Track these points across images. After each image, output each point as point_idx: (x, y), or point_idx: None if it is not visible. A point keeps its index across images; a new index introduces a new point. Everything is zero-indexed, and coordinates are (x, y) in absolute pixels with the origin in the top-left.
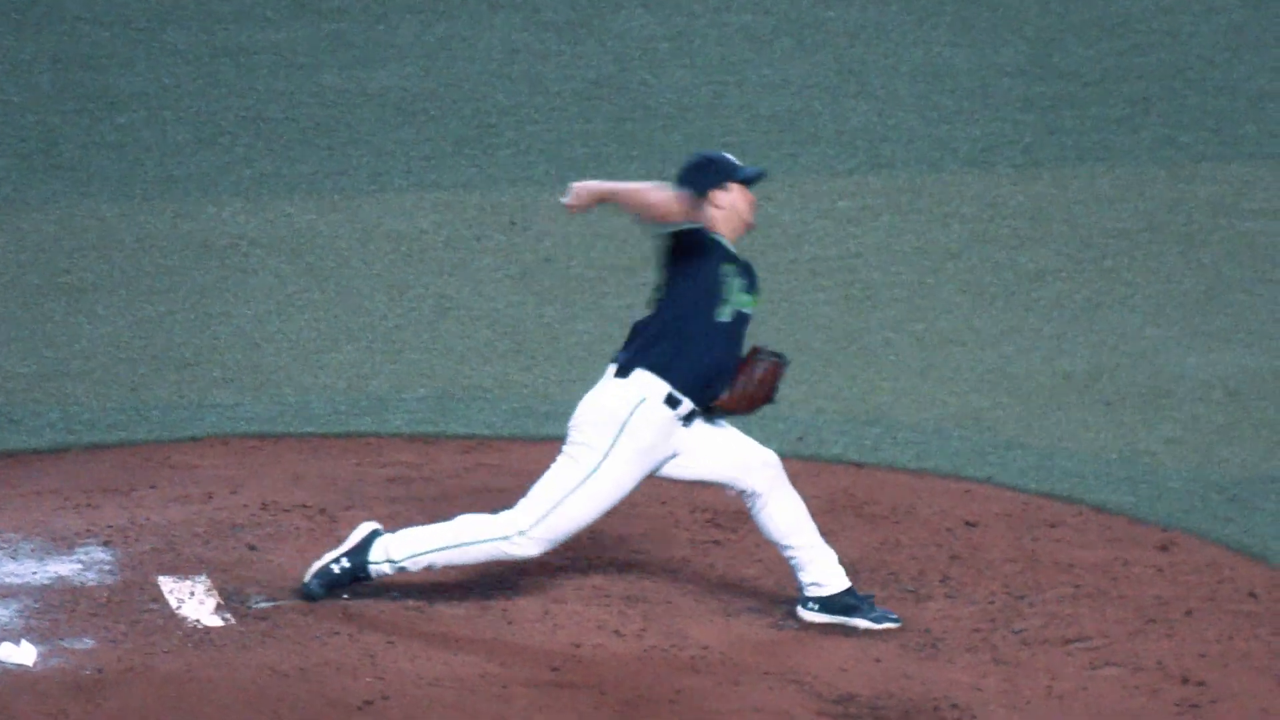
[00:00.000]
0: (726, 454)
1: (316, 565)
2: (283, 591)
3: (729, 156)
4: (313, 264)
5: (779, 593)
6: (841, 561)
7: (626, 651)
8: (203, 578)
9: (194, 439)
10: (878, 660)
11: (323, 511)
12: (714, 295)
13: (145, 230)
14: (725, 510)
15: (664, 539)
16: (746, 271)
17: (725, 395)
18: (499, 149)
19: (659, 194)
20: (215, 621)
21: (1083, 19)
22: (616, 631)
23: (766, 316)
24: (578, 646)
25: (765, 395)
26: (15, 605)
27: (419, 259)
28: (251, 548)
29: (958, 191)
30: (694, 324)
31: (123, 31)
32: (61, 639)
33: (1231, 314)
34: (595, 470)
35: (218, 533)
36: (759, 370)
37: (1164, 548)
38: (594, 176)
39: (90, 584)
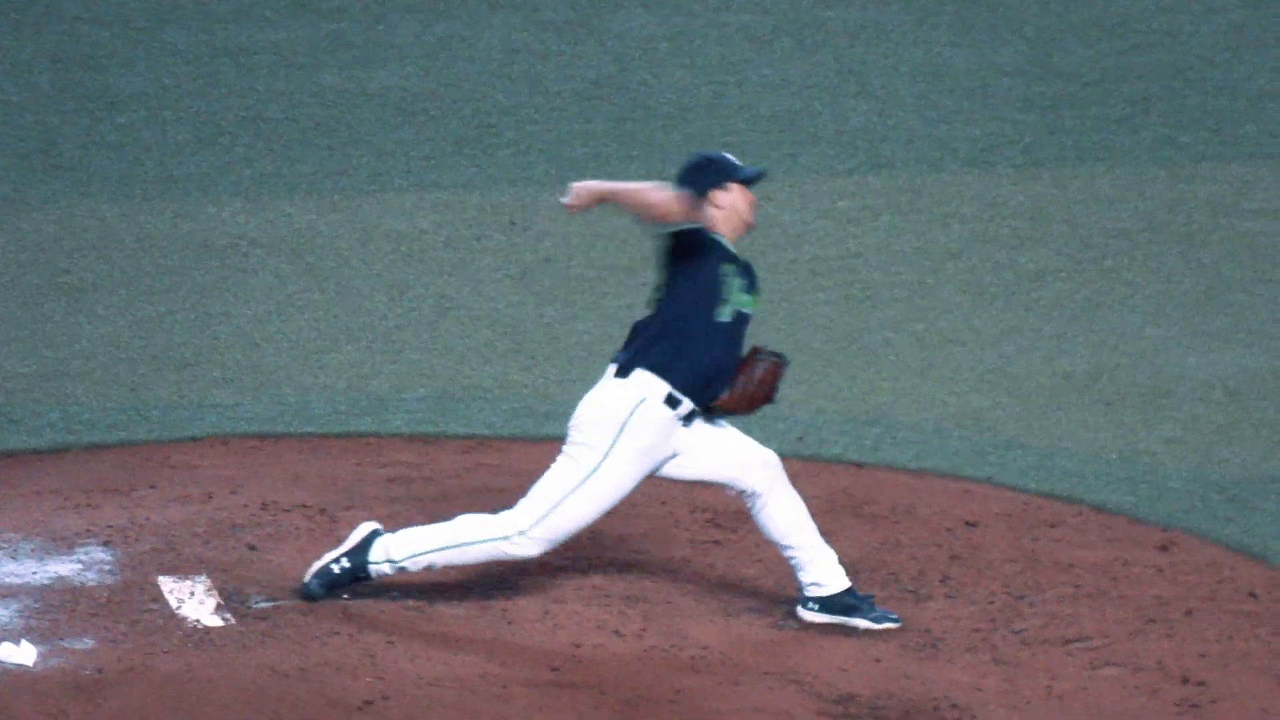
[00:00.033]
0: (726, 454)
1: (316, 565)
2: (283, 591)
3: (729, 156)
4: (313, 264)
5: (779, 593)
6: (841, 561)
7: (626, 651)
8: (203, 578)
9: (194, 439)
10: (878, 660)
11: (323, 511)
12: (714, 295)
13: (145, 230)
14: (725, 510)
15: (664, 539)
16: (746, 271)
17: (726, 395)
18: (499, 149)
19: (659, 194)
20: (215, 621)
21: (1082, 19)
22: (616, 631)
23: (766, 316)
24: (578, 646)
25: (766, 395)
26: (15, 605)
27: (419, 259)
28: (251, 548)
29: (958, 191)
30: (694, 324)
31: (122, 31)
32: (61, 639)
33: (1231, 314)
34: (595, 470)
35: (218, 533)
36: (759, 370)
37: (1164, 548)
38: (594, 176)
39: (90, 584)
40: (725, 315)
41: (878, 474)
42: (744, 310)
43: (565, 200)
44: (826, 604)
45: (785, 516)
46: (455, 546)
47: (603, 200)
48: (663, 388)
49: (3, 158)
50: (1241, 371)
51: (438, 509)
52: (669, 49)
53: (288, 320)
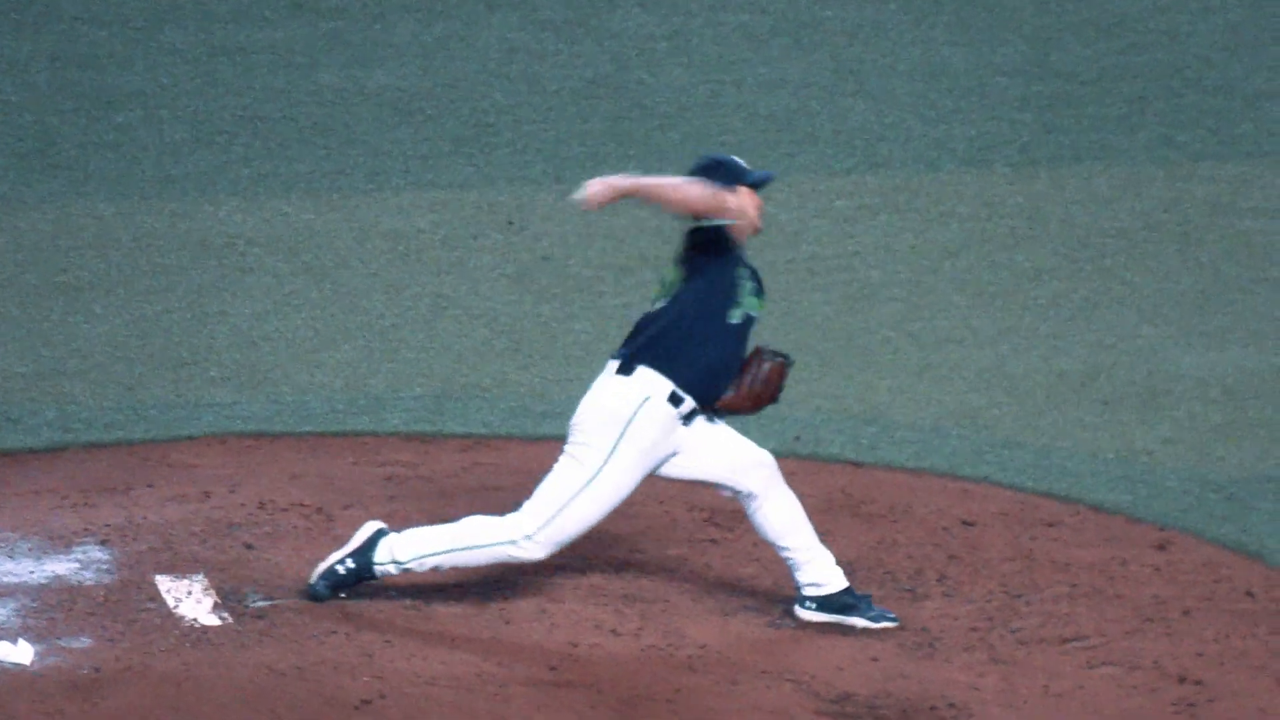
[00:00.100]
0: (722, 454)
1: (322, 566)
2: (280, 590)
3: (737, 160)
4: (310, 263)
5: (776, 592)
6: (839, 561)
7: (624, 651)
8: (200, 577)
9: (191, 438)
10: (875, 659)
11: (320, 510)
12: (729, 297)
13: (143, 229)
14: (722, 509)
15: (661, 538)
16: (754, 275)
17: (732, 394)
18: (496, 148)
19: (694, 189)
20: (212, 620)
21: (1080, 18)
22: (614, 631)
23: (763, 315)
24: (575, 646)
25: (771, 395)
26: (12, 604)
27: (416, 258)
28: (249, 547)
29: (955, 191)
30: (705, 324)
31: (120, 31)
32: (59, 638)
33: (1229, 313)
34: (599, 471)
35: (215, 532)
36: (765, 369)
37: (1161, 547)
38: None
39: (87, 583)
40: (736, 317)
41: (875, 473)
42: (752, 314)
43: (579, 197)
44: (824, 603)
45: (780, 517)
46: (461, 550)
47: (626, 196)
48: (666, 385)
49: (0, 157)
50: (1239, 371)
51: (435, 508)
52: (666, 48)
53: (285, 319)
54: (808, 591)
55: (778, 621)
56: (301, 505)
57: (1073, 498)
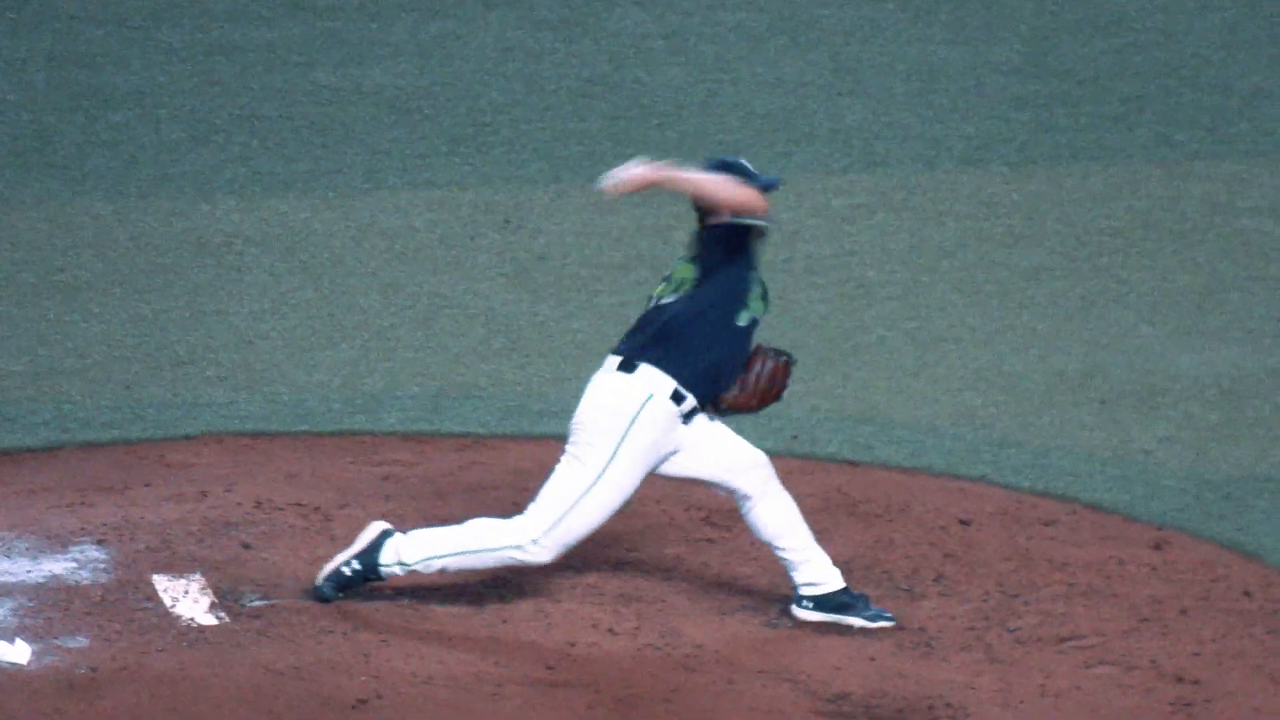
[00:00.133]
0: (720, 454)
1: (328, 568)
2: (277, 590)
3: (745, 164)
4: (307, 262)
5: (773, 591)
6: (835, 560)
7: (621, 650)
8: (197, 576)
9: (188, 437)
10: (872, 659)
11: (317, 510)
12: (740, 299)
13: (140, 228)
14: (720, 509)
15: (658, 537)
16: (760, 279)
17: (737, 393)
18: (493, 147)
19: (735, 186)
20: (209, 620)
21: (1077, 17)
22: (611, 630)
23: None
24: (572, 645)
25: (776, 393)
26: (9, 604)
27: (413, 257)
28: (246, 546)
29: (952, 190)
30: (714, 324)
31: (117, 30)
32: (56, 637)
33: (1226, 312)
34: (603, 471)
35: (212, 531)
36: (768, 368)
37: (1158, 546)
38: (589, 175)
39: (84, 582)
40: (743, 320)
41: (872, 472)
42: (757, 316)
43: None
44: (821, 602)
45: (776, 517)
46: (468, 553)
47: (654, 187)
48: (669, 383)
49: None
50: (1236, 370)
51: (433, 507)
52: (663, 47)
53: (282, 318)
54: (804, 591)
55: (775, 621)
56: (298, 504)
57: (1070, 497)
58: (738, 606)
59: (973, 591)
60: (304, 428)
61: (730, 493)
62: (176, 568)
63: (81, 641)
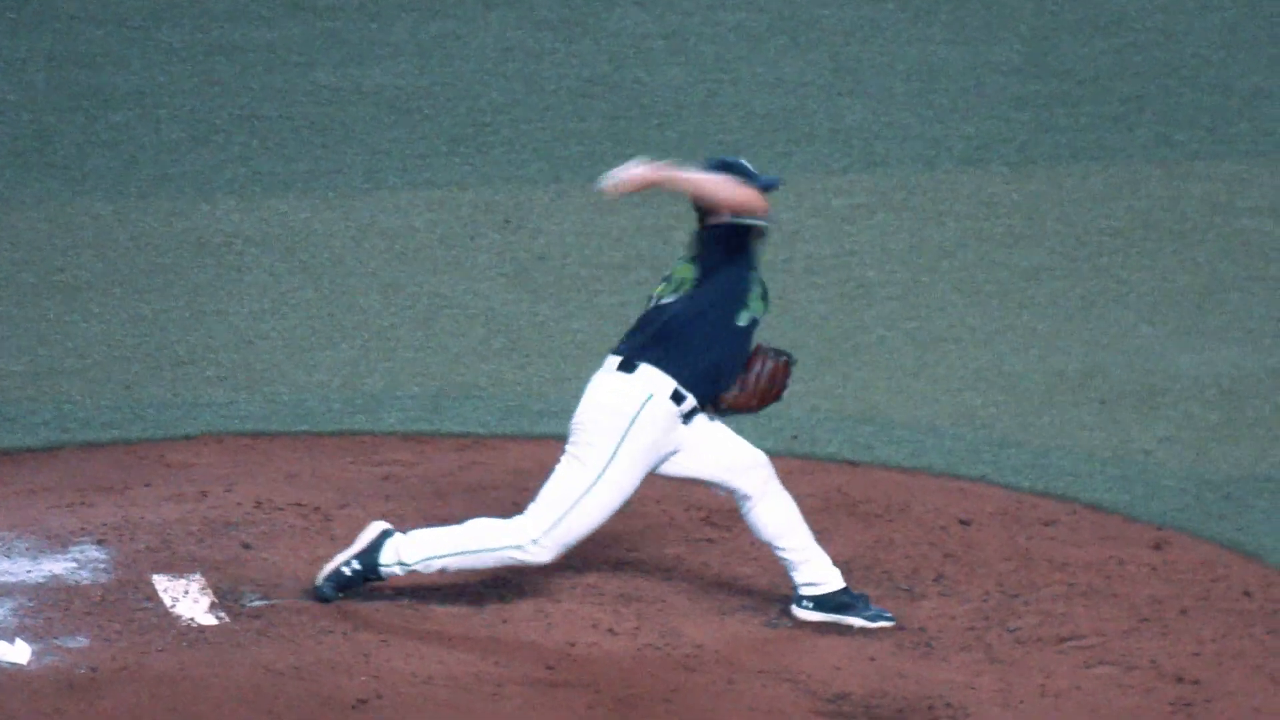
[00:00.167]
0: (720, 454)
1: (328, 568)
2: (277, 590)
3: (745, 164)
4: (307, 262)
5: (773, 591)
6: (835, 560)
7: (621, 650)
8: (197, 576)
9: (188, 437)
10: (872, 659)
11: (317, 510)
12: (740, 300)
13: (140, 228)
14: (720, 509)
15: (658, 537)
16: (760, 279)
17: (738, 393)
18: (493, 147)
19: (736, 186)
20: (209, 620)
21: (1077, 17)
22: (611, 630)
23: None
24: (572, 645)
25: (776, 393)
26: (9, 604)
27: (413, 257)
28: (246, 546)
29: (952, 190)
30: (714, 324)
31: (117, 30)
32: (56, 638)
33: (1226, 312)
34: (604, 471)
35: (212, 531)
36: (769, 368)
37: (1158, 546)
38: (588, 175)
39: (84, 582)
40: (744, 320)
41: (872, 472)
42: (757, 316)
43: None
44: (821, 602)
45: (775, 517)
46: (468, 553)
47: (655, 187)
48: (669, 383)
49: None
50: (1236, 370)
51: (432, 507)
52: (663, 47)
53: (282, 318)
54: (804, 591)
55: (775, 621)
56: (298, 504)
57: (1069, 497)
58: (738, 606)
59: (973, 591)
60: (304, 428)
61: (730, 493)
62: (176, 568)
63: (81, 641)
